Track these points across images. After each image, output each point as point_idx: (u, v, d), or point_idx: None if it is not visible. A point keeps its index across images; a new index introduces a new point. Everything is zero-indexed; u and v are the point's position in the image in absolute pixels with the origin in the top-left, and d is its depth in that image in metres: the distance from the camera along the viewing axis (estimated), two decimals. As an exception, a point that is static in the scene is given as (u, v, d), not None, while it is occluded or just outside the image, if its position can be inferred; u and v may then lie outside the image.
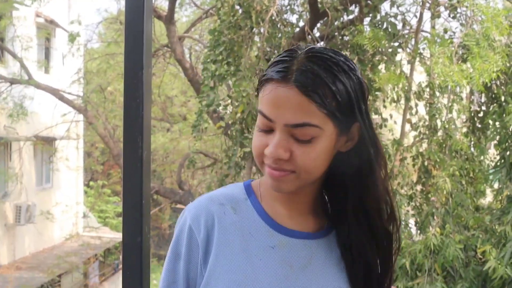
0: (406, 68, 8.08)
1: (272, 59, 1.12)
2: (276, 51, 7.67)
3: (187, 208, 1.31)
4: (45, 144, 14.99)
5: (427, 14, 8.28)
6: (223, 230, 1.25)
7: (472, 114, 8.41)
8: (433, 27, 8.23)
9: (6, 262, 13.59)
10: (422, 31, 8.29)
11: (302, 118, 1.14)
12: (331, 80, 1.14)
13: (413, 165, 7.94)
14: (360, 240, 1.28)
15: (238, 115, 7.23)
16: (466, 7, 7.58)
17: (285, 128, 1.15)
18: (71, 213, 16.24)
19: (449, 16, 8.17)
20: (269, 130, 1.19)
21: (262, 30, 7.58)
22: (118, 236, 16.84)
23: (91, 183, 19.59)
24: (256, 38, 7.82)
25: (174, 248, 1.29)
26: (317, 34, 8.20)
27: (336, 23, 7.91)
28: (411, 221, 7.99)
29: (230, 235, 1.25)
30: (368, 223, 1.27)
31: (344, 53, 1.23)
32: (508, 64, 7.32)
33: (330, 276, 1.27)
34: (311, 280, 1.24)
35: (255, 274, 1.22)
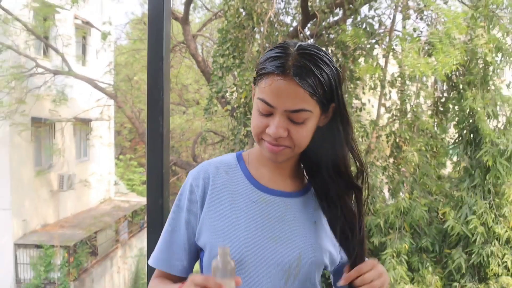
0: (382, 61, 8.04)
1: (266, 53, 1.12)
2: (273, 47, 7.63)
3: (190, 171, 1.36)
4: (82, 125, 14.99)
5: (399, 16, 8.23)
6: (215, 187, 1.31)
7: (436, 100, 8.40)
8: (404, 27, 8.18)
9: (52, 221, 13.66)
10: (395, 30, 8.24)
11: (299, 105, 1.19)
12: (319, 73, 1.19)
13: (387, 142, 7.94)
14: (335, 193, 1.30)
15: (242, 100, 7.23)
16: (432, 10, 7.53)
17: (284, 112, 1.20)
18: (104, 181, 16.27)
19: (417, 17, 8.11)
20: (268, 114, 1.22)
21: (262, 29, 7.54)
22: (143, 200, 16.88)
23: (121, 156, 19.60)
24: (257, 36, 7.77)
25: (178, 202, 1.34)
26: (308, 33, 8.15)
27: (323, 23, 7.87)
28: (385, 188, 8.01)
29: (221, 191, 1.30)
30: (340, 178, 1.31)
31: (326, 49, 1.27)
32: (465, 58, 7.30)
33: (301, 228, 1.30)
34: (285, 230, 1.28)
35: (238, 223, 1.26)
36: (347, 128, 1.29)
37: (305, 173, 1.39)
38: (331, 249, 1.33)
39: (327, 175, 1.30)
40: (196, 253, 1.34)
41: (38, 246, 11.72)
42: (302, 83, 1.17)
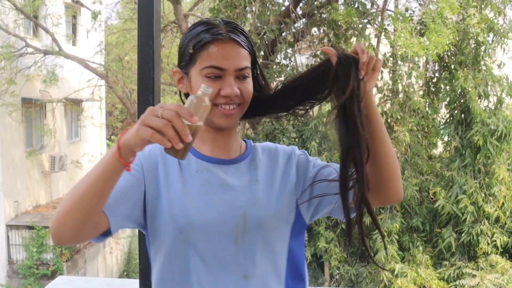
0: (374, 41, 8.02)
1: (190, 32, 1.17)
2: (265, 26, 7.59)
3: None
4: (73, 105, 14.89)
5: (391, -5, 8.19)
6: (164, 163, 1.35)
7: (427, 80, 8.41)
8: (396, 6, 8.16)
9: (44, 202, 13.63)
10: (387, 10, 8.21)
11: (244, 63, 1.31)
12: (246, 34, 1.34)
13: (378, 122, 7.95)
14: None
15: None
16: (424, -11, 7.51)
17: (233, 72, 1.30)
18: (96, 162, 16.22)
19: (410, -3, 8.08)
20: (217, 78, 1.29)
21: (254, 8, 7.48)
22: (135, 180, 16.86)
23: (112, 137, 19.53)
24: (249, 16, 7.72)
25: (139, 157, 1.35)
26: (300, 12, 8.10)
27: (315, 2, 7.82)
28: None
29: (169, 167, 1.35)
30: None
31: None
32: (457, 38, 7.29)
33: (243, 189, 1.34)
34: (227, 193, 1.32)
35: (184, 191, 1.31)
36: (264, 79, 1.44)
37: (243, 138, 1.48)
38: (288, 201, 1.36)
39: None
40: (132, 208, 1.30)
41: (30, 227, 11.70)
42: (242, 43, 1.31)
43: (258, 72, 1.42)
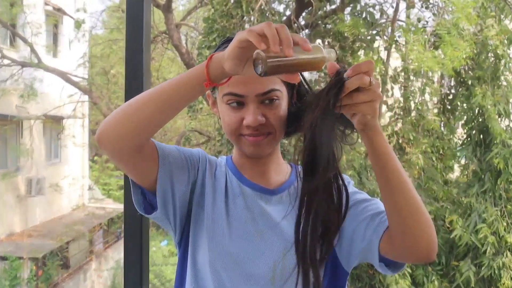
0: (383, 54, 8.06)
1: (218, 50, 1.15)
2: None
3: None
4: (53, 123, 14.91)
5: (402, 5, 8.26)
6: (214, 174, 1.39)
7: (443, 97, 8.43)
8: (408, 16, 8.22)
9: (19, 230, 13.56)
10: (398, 20, 8.27)
11: (268, 86, 1.27)
12: None
13: (389, 143, 7.94)
14: (311, 191, 1.19)
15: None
16: (438, -2, 7.57)
17: (256, 98, 1.26)
18: (77, 186, 16.19)
19: (422, 6, 8.15)
20: (239, 107, 1.28)
21: (252, 18, 7.54)
22: (120, 207, 16.79)
23: (96, 158, 19.47)
24: (247, 26, 7.77)
25: (198, 152, 1.40)
26: (302, 23, 8.16)
27: (319, 12, 7.88)
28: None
29: (216, 180, 1.38)
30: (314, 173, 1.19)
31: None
32: (475, 51, 7.33)
33: (280, 226, 1.33)
34: (267, 226, 1.32)
35: (228, 214, 1.34)
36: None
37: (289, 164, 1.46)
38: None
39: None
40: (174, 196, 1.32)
41: (3, 258, 11.63)
42: None
43: (294, 91, 1.36)
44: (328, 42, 7.95)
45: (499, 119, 7.43)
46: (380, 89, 1.15)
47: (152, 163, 1.25)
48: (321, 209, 1.17)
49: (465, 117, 7.82)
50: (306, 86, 1.35)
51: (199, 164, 1.37)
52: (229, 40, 1.28)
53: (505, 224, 7.35)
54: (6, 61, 12.24)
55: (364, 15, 7.54)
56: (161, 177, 1.26)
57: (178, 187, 1.30)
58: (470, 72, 7.72)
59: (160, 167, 1.25)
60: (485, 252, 7.28)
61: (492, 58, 7.55)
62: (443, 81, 8.61)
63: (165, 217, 1.32)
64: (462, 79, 7.97)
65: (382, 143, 1.14)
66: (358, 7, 7.68)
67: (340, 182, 1.18)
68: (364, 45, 7.72)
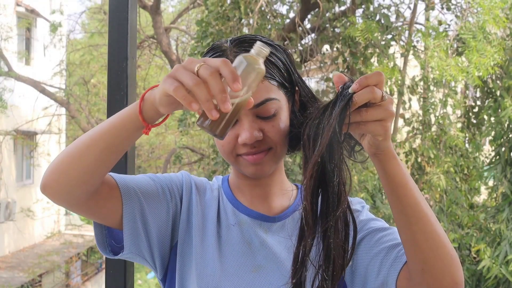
0: (400, 61, 8.08)
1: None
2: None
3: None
4: (25, 139, 14.91)
5: (421, 6, 8.29)
6: (203, 200, 1.39)
7: (467, 109, 8.44)
8: (427, 19, 8.24)
9: (-15, 261, 13.54)
10: (416, 23, 8.31)
11: (262, 96, 1.24)
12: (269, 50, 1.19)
13: (406, 162, 7.95)
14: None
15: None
16: (462, -2, 7.60)
17: (249, 111, 1.24)
18: (52, 210, 16.15)
19: (443, 8, 8.17)
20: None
21: (251, 21, 7.56)
22: (101, 234, 16.75)
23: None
24: (245, 30, 7.79)
25: (180, 177, 1.39)
26: (308, 26, 8.19)
27: (327, 14, 7.90)
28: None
29: (205, 207, 1.38)
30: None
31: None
32: (504, 58, 7.34)
33: (281, 259, 1.31)
34: (266, 259, 1.31)
35: (221, 247, 1.32)
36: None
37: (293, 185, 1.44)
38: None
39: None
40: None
41: (-33, 293, 11.60)
42: None
43: (296, 97, 1.35)
44: (337, 48, 7.98)
45: (532, 134, 7.44)
46: (394, 105, 1.13)
47: (114, 201, 1.24)
48: (325, 242, 1.14)
49: (493, 132, 7.81)
50: (307, 90, 1.35)
51: (182, 191, 1.36)
52: (213, 48, 1.31)
53: (539, 254, 7.32)
54: (-28, 70, 12.29)
55: (377, 18, 7.57)
56: (127, 215, 1.25)
57: (152, 223, 1.29)
58: (498, 81, 7.73)
59: (124, 205, 1.24)
60: (517, 286, 7.25)
61: (523, 66, 7.57)
62: (467, 91, 8.62)
63: (139, 256, 1.31)
64: (489, 90, 7.98)
65: (396, 170, 1.12)
66: (371, 9, 7.71)
67: (348, 213, 1.15)
68: (378, 51, 7.74)
